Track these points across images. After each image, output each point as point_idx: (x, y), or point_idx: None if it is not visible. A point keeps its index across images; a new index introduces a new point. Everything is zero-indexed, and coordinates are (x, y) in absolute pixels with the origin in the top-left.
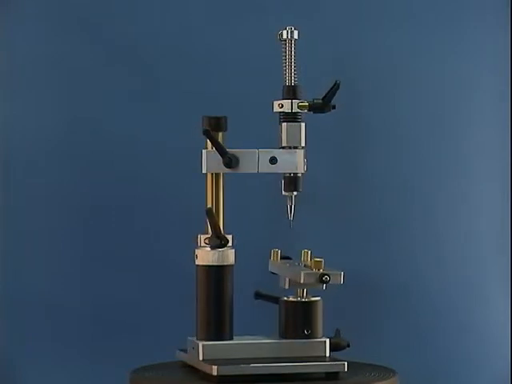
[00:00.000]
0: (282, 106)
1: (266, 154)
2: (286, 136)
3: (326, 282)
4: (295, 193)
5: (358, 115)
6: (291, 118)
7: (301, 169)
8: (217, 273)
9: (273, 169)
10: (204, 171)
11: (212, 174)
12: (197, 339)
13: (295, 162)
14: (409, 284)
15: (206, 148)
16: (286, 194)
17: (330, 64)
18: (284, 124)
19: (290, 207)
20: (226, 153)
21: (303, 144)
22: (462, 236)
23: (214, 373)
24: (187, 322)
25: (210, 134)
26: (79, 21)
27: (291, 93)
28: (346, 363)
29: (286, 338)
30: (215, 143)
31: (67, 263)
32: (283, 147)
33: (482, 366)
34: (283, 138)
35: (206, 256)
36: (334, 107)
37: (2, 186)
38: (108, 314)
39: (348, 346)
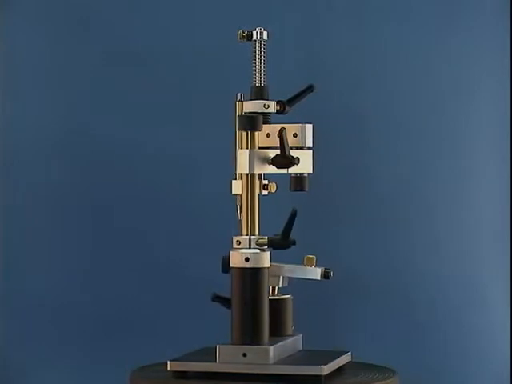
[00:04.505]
0: (268, 106)
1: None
2: (311, 137)
3: (329, 277)
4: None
5: (357, 114)
6: (266, 119)
7: (311, 169)
8: (253, 275)
9: (297, 169)
10: (246, 171)
11: (247, 174)
12: (234, 344)
13: (310, 162)
14: (409, 284)
15: (242, 147)
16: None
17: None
18: (309, 125)
19: (240, 207)
20: (290, 154)
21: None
22: (462, 236)
23: (321, 372)
24: (187, 322)
25: (285, 133)
26: (79, 21)
27: (261, 93)
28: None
29: (279, 335)
30: (285, 143)
31: (67, 263)
32: (301, 148)
33: (482, 366)
34: (308, 139)
35: (235, 258)
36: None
37: (2, 185)
38: (108, 314)
39: None
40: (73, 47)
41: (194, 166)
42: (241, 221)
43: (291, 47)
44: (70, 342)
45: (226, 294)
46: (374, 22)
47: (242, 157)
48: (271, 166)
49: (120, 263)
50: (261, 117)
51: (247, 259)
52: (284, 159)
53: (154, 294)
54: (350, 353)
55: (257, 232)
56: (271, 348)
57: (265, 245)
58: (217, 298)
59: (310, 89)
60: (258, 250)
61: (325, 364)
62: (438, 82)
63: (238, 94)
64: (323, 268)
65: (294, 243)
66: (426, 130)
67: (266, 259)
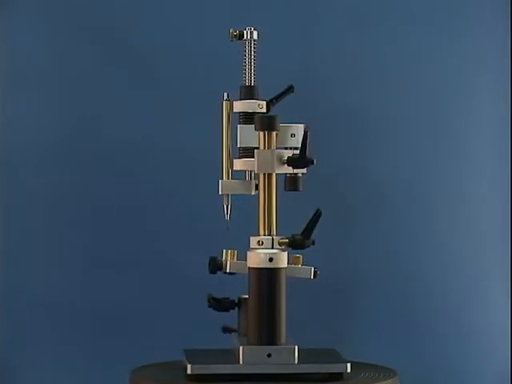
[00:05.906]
0: (262, 106)
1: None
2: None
3: (316, 276)
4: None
5: (357, 114)
6: (250, 119)
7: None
8: (276, 275)
9: (303, 169)
10: (267, 171)
11: (264, 174)
12: (253, 344)
13: None
14: (409, 284)
15: (259, 147)
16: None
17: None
18: (303, 125)
19: (227, 207)
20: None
21: None
22: (462, 236)
23: (346, 370)
24: (186, 322)
25: (309, 134)
26: (80, 21)
27: (251, 93)
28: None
29: None
30: (305, 144)
31: (67, 263)
32: (297, 148)
33: (482, 366)
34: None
35: (258, 258)
36: None
37: (2, 185)
38: (108, 314)
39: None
40: (73, 47)
41: (193, 165)
42: (259, 219)
43: (288, 46)
44: (70, 342)
45: (224, 294)
46: (373, 21)
47: (263, 157)
48: (285, 165)
49: (119, 263)
50: (276, 118)
51: (271, 259)
52: (303, 160)
53: (154, 294)
54: (335, 350)
55: (275, 232)
56: (296, 347)
57: (285, 245)
58: (212, 300)
59: (290, 89)
60: (278, 250)
61: (345, 361)
62: (438, 82)
63: (225, 94)
64: (314, 268)
65: (313, 243)
66: (426, 129)
67: (285, 259)
